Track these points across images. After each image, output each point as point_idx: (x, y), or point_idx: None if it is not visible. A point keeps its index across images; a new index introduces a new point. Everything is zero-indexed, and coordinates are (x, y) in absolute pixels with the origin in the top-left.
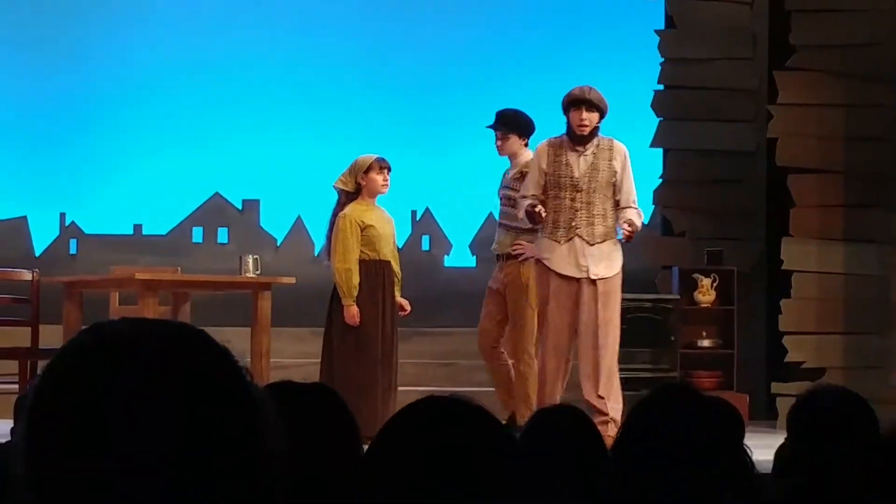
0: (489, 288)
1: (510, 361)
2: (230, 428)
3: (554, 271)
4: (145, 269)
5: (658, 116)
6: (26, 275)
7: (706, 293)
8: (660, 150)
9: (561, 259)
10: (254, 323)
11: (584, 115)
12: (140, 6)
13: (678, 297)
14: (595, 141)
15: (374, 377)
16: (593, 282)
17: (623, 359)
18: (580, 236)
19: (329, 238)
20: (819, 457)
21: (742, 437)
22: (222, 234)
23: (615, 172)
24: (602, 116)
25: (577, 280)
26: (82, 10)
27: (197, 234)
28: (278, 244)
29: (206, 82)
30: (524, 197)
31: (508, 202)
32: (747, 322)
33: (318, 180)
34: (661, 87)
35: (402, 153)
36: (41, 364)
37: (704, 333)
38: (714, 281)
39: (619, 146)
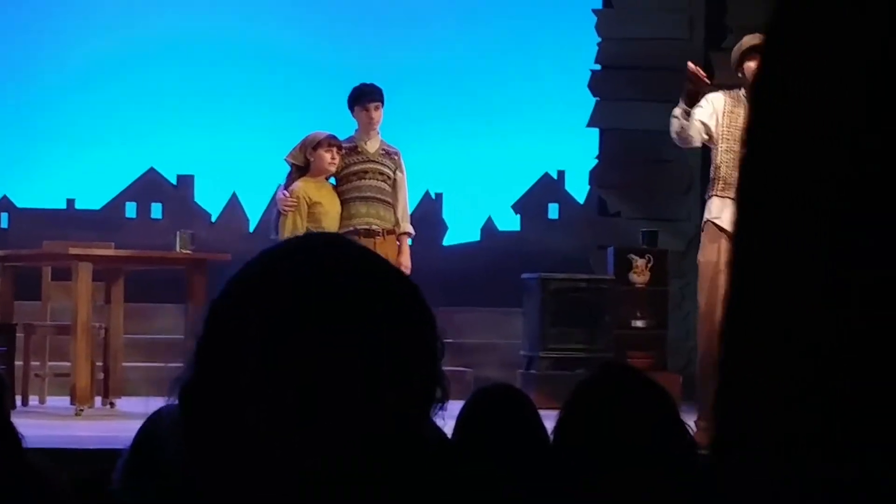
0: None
1: None
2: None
3: (728, 232)
4: (79, 243)
5: (595, 96)
6: None
7: (641, 273)
8: (596, 130)
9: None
10: (189, 299)
11: None
12: None
13: (613, 277)
14: None
15: None
16: None
17: (557, 339)
18: None
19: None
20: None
21: (680, 419)
22: (156, 210)
23: None
24: None
25: None
26: None
27: (130, 209)
28: (213, 220)
29: (143, 58)
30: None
31: None
32: (680, 302)
33: (252, 156)
34: (598, 66)
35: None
36: None
37: (638, 314)
38: (648, 261)
39: None
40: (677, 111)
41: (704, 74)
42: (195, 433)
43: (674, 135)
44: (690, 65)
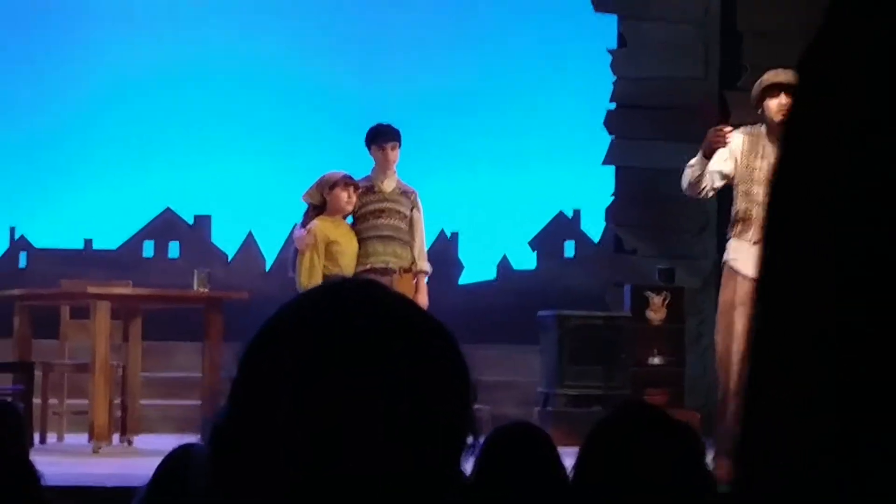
0: None
1: None
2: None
3: (741, 274)
4: (96, 282)
5: (610, 134)
6: None
7: (657, 311)
8: (612, 168)
9: (750, 261)
10: (206, 338)
11: (785, 100)
12: (91, 22)
13: (629, 314)
14: None
15: None
16: None
17: (574, 376)
18: None
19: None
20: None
21: (704, 456)
22: (173, 249)
23: None
24: None
25: None
26: (35, 26)
27: (148, 248)
28: (229, 259)
29: (159, 98)
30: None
31: None
32: (697, 338)
33: (268, 196)
34: (613, 105)
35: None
36: None
37: (655, 351)
38: (665, 299)
39: None
40: (694, 161)
41: (728, 132)
42: (225, 474)
43: (685, 184)
44: (719, 130)
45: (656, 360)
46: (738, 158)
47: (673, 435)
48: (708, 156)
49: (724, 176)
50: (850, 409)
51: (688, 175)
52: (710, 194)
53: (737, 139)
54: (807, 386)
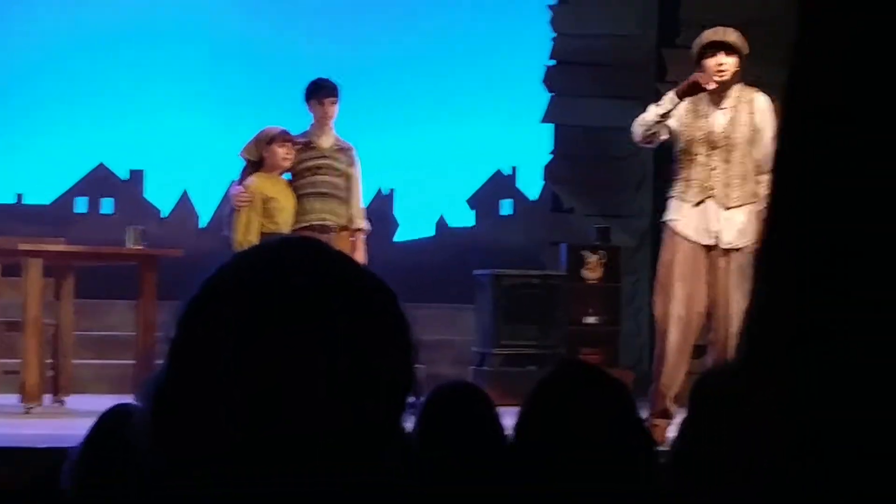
0: None
1: None
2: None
3: (681, 235)
4: (28, 239)
5: (549, 92)
6: None
7: (594, 270)
8: (550, 126)
9: (692, 224)
10: (140, 296)
11: (723, 58)
12: None
13: (565, 273)
14: (735, 91)
15: None
16: (726, 252)
17: (510, 335)
18: (714, 198)
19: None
20: (722, 434)
21: (639, 414)
22: (107, 205)
23: (757, 128)
24: (742, 60)
25: (707, 248)
26: None
27: (81, 204)
28: (163, 216)
29: (93, 52)
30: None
31: None
32: (632, 298)
33: (204, 152)
34: (553, 62)
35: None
36: None
37: (591, 310)
38: (601, 258)
39: (762, 98)
40: (663, 101)
41: (707, 82)
42: (165, 434)
43: (640, 129)
44: (700, 75)
45: (591, 320)
46: (680, 116)
47: (610, 393)
48: (682, 97)
49: (669, 130)
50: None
51: (648, 116)
52: (656, 143)
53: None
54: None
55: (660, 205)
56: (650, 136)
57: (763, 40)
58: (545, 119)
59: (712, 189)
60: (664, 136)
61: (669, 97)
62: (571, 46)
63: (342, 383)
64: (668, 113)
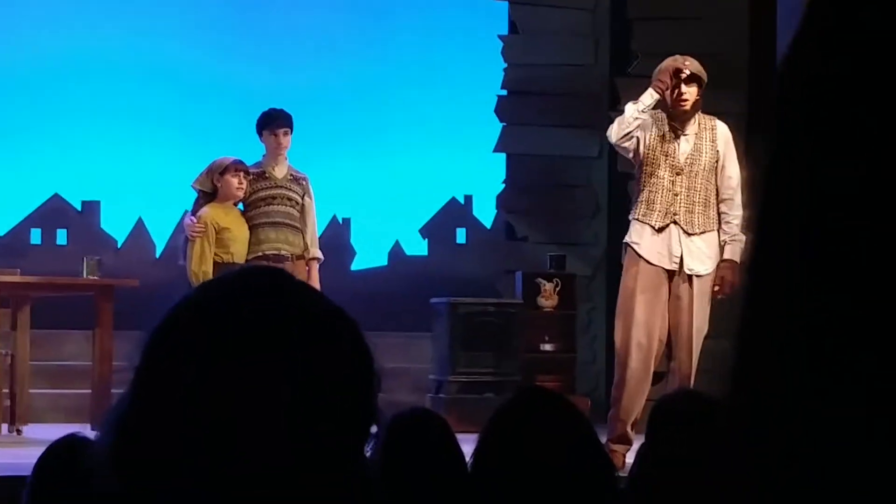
0: None
1: None
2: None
3: (644, 259)
4: None
5: (501, 122)
6: None
7: (549, 297)
8: (503, 155)
9: (654, 249)
10: (96, 326)
11: (684, 88)
12: None
13: (521, 301)
14: (696, 119)
15: None
16: (688, 278)
17: (466, 363)
18: (678, 223)
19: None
20: (680, 459)
21: (599, 440)
22: (61, 236)
23: (718, 155)
24: (702, 88)
25: (669, 273)
26: None
27: (35, 235)
28: (119, 246)
29: (47, 83)
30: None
31: None
32: (588, 325)
33: (158, 182)
34: (504, 92)
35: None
36: None
37: (547, 338)
38: (556, 286)
39: (723, 127)
40: (643, 98)
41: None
42: (125, 463)
43: (620, 126)
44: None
45: (548, 347)
46: (646, 140)
47: (570, 419)
48: (659, 91)
49: (639, 141)
50: (835, 392)
51: (628, 114)
52: (630, 149)
53: (647, 121)
54: (795, 372)
55: (615, 233)
56: (626, 137)
57: (712, 72)
58: (497, 149)
59: (676, 214)
60: (635, 143)
61: (649, 92)
62: (522, 76)
63: (303, 412)
64: (646, 109)
